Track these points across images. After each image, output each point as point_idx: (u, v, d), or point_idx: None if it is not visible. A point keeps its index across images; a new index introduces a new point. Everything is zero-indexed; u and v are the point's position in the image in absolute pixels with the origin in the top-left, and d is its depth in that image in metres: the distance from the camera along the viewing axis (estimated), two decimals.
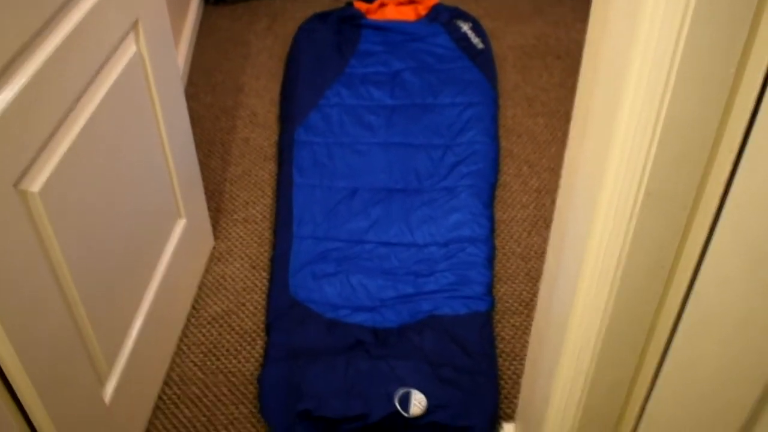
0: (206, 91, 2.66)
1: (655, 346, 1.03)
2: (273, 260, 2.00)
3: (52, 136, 1.18)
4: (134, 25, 1.49)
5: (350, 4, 3.03)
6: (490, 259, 1.97)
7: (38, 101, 1.12)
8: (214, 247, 2.07)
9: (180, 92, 1.76)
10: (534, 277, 1.98)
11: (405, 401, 1.54)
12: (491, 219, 2.08)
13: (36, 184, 1.14)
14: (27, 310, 1.12)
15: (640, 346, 1.03)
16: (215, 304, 1.91)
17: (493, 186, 2.20)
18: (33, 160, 1.13)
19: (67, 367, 1.27)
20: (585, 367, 1.06)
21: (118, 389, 1.45)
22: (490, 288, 1.89)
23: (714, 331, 0.91)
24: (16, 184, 1.09)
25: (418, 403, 1.53)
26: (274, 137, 2.45)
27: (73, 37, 1.21)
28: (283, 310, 1.85)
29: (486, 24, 3.01)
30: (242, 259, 2.04)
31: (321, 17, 2.94)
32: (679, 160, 0.83)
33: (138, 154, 1.52)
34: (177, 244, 1.78)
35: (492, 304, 1.85)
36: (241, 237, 2.10)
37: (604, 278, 0.95)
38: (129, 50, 1.47)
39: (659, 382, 1.03)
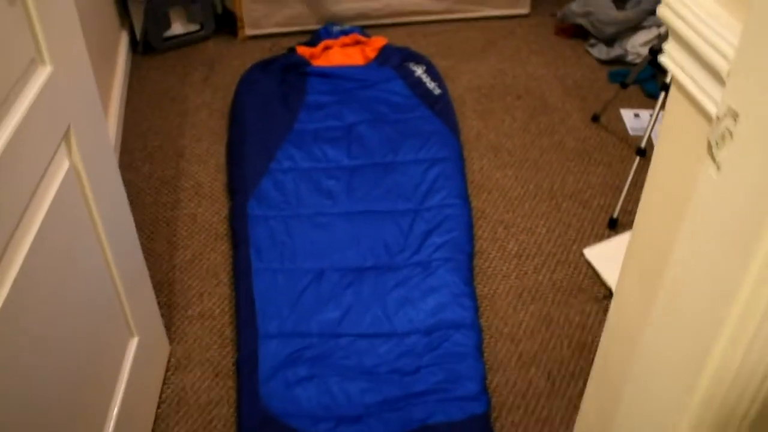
0: (143, 158, 2.42)
1: None
2: (238, 365, 1.78)
3: None
4: (66, 135, 1.26)
5: (292, 50, 2.82)
6: (479, 347, 1.79)
7: None
8: (170, 353, 1.84)
9: (122, 198, 1.53)
10: (526, 362, 1.82)
11: None
12: (474, 297, 1.91)
13: None
14: None
15: None
16: (178, 425, 1.69)
17: (470, 256, 2.03)
18: None
19: None
20: None
21: None
22: (484, 383, 1.71)
23: None
24: None
25: None
26: (224, 211, 2.23)
27: None
28: (256, 428, 1.64)
29: (438, 63, 2.84)
30: (203, 364, 1.81)
31: (262, 66, 2.72)
32: None
33: (82, 284, 1.29)
34: (132, 367, 1.55)
35: (488, 403, 1.68)
36: (199, 337, 1.88)
37: None
38: (62, 167, 1.24)
39: None
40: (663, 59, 0.71)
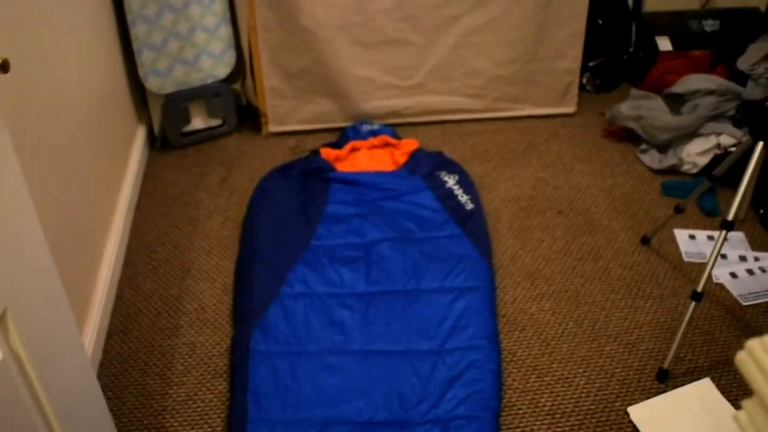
0: (145, 273, 2.23)
1: None
2: None
3: None
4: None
5: (316, 152, 2.64)
6: None
7: None
8: None
9: (88, 378, 1.33)
10: None
11: None
12: None
13: None
14: None
15: None
16: None
17: (496, 414, 1.77)
18: None
19: None
20: None
21: None
22: None
23: None
24: None
25: None
26: (226, 342, 2.01)
27: None
28: None
29: (474, 169, 2.63)
30: None
31: (282, 171, 2.54)
32: None
33: None
34: None
35: None
36: None
37: None
38: None
39: None
40: (739, 417, 0.47)
